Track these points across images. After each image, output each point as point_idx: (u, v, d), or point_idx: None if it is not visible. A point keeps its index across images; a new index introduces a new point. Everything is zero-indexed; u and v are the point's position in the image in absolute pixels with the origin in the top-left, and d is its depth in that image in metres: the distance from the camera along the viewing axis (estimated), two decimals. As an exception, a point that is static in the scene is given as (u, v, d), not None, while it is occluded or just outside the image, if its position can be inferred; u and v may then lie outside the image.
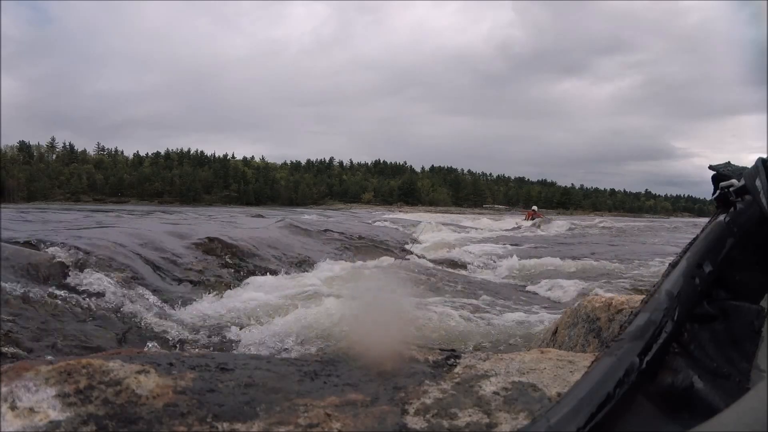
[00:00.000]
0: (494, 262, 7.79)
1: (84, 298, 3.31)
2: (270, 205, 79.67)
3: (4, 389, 0.66)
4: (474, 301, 4.34)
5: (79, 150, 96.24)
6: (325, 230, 9.26)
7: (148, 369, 0.79)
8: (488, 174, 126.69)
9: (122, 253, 4.55)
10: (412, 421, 0.71)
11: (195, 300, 3.97)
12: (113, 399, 0.69)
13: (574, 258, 7.99)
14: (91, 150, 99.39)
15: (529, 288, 5.70)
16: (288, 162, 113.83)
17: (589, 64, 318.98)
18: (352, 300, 3.77)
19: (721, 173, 0.64)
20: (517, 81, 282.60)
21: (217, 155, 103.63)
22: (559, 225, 21.45)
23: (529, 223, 21.41)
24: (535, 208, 26.46)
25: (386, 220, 19.28)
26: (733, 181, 0.62)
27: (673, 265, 0.63)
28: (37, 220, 9.12)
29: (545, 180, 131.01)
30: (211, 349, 2.95)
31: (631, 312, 0.66)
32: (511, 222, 23.62)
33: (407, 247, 9.59)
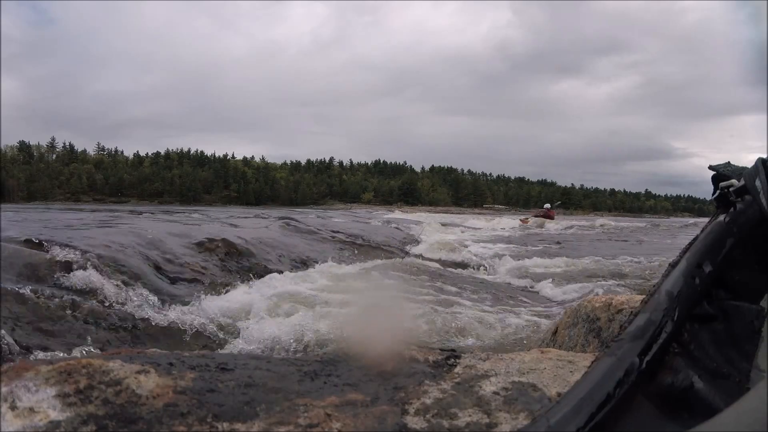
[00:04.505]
0: (494, 261, 7.79)
1: (84, 298, 3.30)
2: (270, 205, 79.73)
3: (4, 389, 0.66)
4: (474, 301, 4.34)
5: (79, 150, 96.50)
6: (325, 230, 9.26)
7: (148, 369, 0.79)
8: (488, 174, 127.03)
9: (122, 253, 4.54)
10: (412, 421, 0.71)
11: (195, 300, 3.97)
12: (113, 399, 0.69)
13: (574, 258, 7.99)
14: (91, 150, 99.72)
15: (529, 288, 5.70)
16: (288, 162, 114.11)
17: (586, 64, 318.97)
18: (353, 300, 3.77)
19: (721, 173, 0.64)
20: (516, 81, 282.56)
21: (217, 155, 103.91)
22: (559, 225, 21.46)
23: (530, 222, 21.41)
24: (548, 206, 25.84)
25: (386, 220, 19.27)
26: (733, 181, 0.61)
27: (673, 265, 0.63)
28: (37, 220, 9.12)
29: (545, 180, 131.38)
30: (211, 349, 2.95)
31: (631, 312, 0.66)
32: (511, 222, 23.61)
33: (407, 247, 9.59)
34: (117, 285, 3.68)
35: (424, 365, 0.94)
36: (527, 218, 22.83)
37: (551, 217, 22.67)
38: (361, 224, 13.54)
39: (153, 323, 3.26)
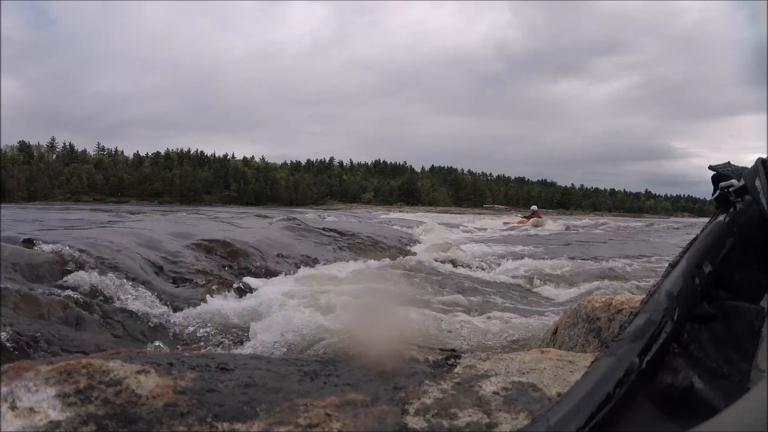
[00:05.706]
0: (494, 262, 7.79)
1: (84, 298, 3.30)
2: (270, 205, 79.71)
3: (4, 389, 0.66)
4: (474, 301, 4.34)
5: (79, 150, 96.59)
6: (326, 230, 9.25)
7: (148, 369, 0.78)
8: (488, 174, 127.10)
9: (122, 253, 4.54)
10: (412, 421, 0.71)
11: (195, 300, 3.97)
12: (113, 399, 0.69)
13: (573, 258, 7.99)
14: (91, 150, 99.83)
15: (529, 288, 5.69)
16: (288, 162, 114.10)
17: (586, 64, 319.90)
18: (353, 300, 3.77)
19: (721, 173, 0.64)
20: (515, 81, 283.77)
21: (217, 155, 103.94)
22: (558, 225, 21.46)
23: (529, 223, 21.37)
24: (534, 207, 25.95)
25: (386, 220, 19.27)
26: (733, 181, 0.62)
27: (672, 265, 0.63)
28: (37, 219, 9.12)
29: (545, 180, 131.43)
30: (211, 349, 2.95)
31: (631, 312, 0.66)
32: (511, 221, 23.58)
33: (407, 247, 9.59)
34: (117, 285, 3.68)
35: (424, 365, 0.94)
36: (521, 219, 22.70)
37: (539, 218, 22.75)
38: (361, 224, 13.53)
39: (153, 323, 3.26)
